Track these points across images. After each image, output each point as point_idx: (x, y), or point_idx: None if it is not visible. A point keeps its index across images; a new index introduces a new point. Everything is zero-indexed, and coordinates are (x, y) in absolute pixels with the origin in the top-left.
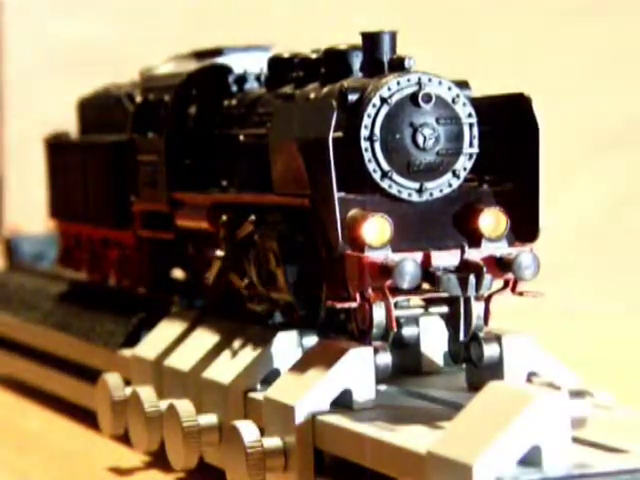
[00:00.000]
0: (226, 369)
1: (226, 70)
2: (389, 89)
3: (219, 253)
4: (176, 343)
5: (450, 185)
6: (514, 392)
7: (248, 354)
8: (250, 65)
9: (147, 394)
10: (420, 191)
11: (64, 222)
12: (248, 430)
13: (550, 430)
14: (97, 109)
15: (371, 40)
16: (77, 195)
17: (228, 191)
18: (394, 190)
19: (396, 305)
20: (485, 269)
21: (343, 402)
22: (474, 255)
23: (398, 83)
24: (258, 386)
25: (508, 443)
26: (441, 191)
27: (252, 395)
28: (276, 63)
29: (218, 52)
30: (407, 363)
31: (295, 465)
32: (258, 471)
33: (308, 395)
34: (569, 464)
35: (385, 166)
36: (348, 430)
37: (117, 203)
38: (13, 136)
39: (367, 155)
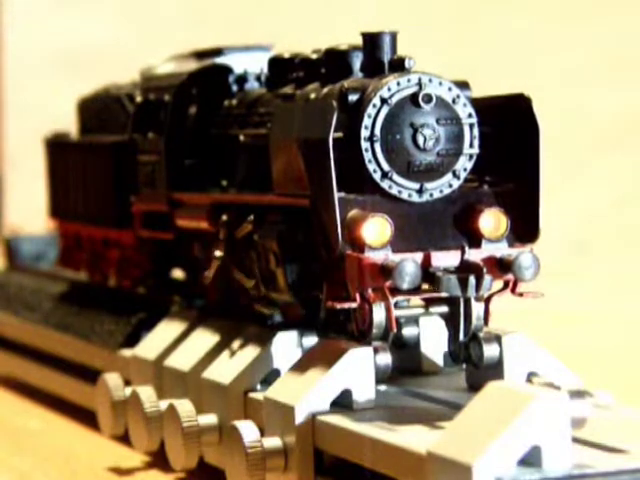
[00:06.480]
0: (226, 369)
1: (226, 70)
2: (389, 89)
3: (218, 253)
4: (176, 343)
5: (450, 186)
6: (514, 392)
7: (248, 354)
8: (250, 65)
9: (147, 394)
10: (420, 191)
11: (64, 222)
12: (248, 430)
13: (550, 430)
14: (97, 109)
15: (371, 40)
16: (77, 195)
17: (228, 191)
18: (394, 190)
19: (396, 305)
20: (485, 270)
21: (343, 402)
22: (474, 256)
23: (398, 83)
24: (258, 386)
25: (508, 443)
26: (441, 192)
27: (252, 395)
28: (276, 63)
29: (218, 52)
30: (407, 363)
31: (295, 465)
32: (258, 471)
33: (308, 395)
34: (569, 464)
35: (385, 166)
36: (348, 430)
37: (117, 203)
38: (13, 136)
39: (367, 155)
